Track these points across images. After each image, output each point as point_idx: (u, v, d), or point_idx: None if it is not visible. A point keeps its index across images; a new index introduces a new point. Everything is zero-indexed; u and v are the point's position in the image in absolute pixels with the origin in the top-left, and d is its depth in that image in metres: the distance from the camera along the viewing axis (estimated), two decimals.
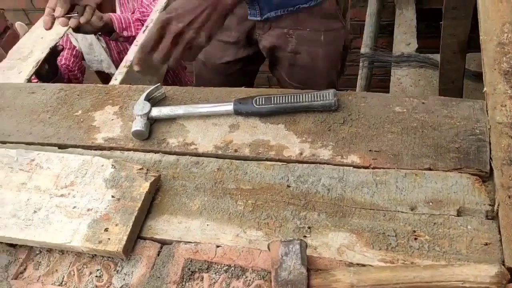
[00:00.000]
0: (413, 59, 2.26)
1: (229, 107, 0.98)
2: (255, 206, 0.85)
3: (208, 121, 1.00)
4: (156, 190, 0.90)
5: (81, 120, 1.07)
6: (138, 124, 0.99)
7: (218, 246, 0.80)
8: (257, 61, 1.52)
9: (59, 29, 1.53)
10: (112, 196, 0.87)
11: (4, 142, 1.05)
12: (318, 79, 1.36)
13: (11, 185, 0.92)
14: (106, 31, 1.67)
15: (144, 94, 1.03)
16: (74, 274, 0.83)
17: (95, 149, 1.01)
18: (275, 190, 0.86)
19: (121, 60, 1.99)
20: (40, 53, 1.49)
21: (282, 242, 0.72)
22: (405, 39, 2.36)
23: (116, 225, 0.83)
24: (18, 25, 1.71)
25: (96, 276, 0.82)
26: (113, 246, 0.80)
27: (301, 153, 0.91)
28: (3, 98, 1.15)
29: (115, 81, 1.20)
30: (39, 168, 0.93)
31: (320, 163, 0.89)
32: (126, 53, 1.96)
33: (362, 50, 2.53)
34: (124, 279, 0.81)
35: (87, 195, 0.88)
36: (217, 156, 0.94)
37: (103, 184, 0.89)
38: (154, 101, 1.05)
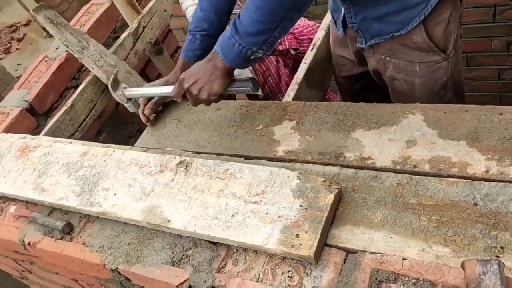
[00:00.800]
0: None
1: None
2: (439, 222, 0.86)
3: (384, 137, 1.04)
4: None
5: (262, 134, 1.19)
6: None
7: (404, 259, 0.84)
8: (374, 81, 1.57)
9: None
10: (300, 205, 0.96)
11: (198, 153, 1.22)
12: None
13: (211, 191, 1.07)
14: None
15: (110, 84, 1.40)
16: (268, 273, 0.94)
17: (277, 161, 1.12)
18: (460, 208, 0.87)
19: (264, 79, 2.14)
20: None
21: (479, 261, 0.72)
22: None
23: (306, 232, 0.91)
24: None
25: (288, 277, 0.92)
26: (305, 251, 0.89)
27: (487, 171, 0.90)
28: (195, 114, 1.34)
29: (288, 97, 1.31)
30: (233, 177, 1.07)
31: (510, 181, 0.87)
32: (269, 73, 2.10)
33: None
34: (314, 282, 0.89)
35: (277, 203, 0.98)
36: (395, 171, 0.98)
37: (291, 194, 0.99)
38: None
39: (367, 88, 1.62)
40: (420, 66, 1.28)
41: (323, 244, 0.92)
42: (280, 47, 1.84)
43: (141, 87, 1.58)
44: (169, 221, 1.06)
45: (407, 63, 1.29)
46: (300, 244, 0.90)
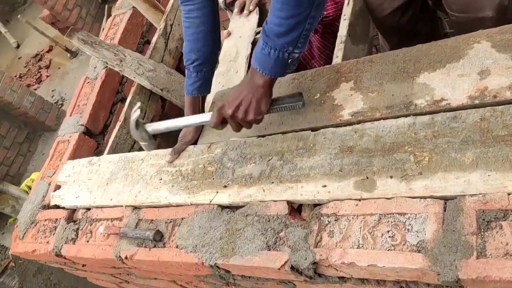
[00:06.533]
0: None
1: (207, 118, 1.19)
2: None
3: (452, 74, 1.00)
4: (420, 151, 0.94)
5: (322, 101, 1.17)
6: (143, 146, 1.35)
7: (509, 193, 0.80)
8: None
9: (251, 25, 1.68)
10: None
11: (263, 136, 1.21)
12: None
13: None
14: None
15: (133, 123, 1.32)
16: (367, 237, 0.93)
17: (345, 125, 1.09)
18: None
19: None
20: (246, 50, 1.66)
21: None
22: None
23: None
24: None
25: (389, 237, 0.90)
26: None
27: None
28: None
29: (337, 58, 1.27)
30: None
31: None
32: None
33: None
34: (417, 236, 0.87)
35: None
36: (475, 107, 0.93)
37: None
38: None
39: (414, 19, 1.57)
40: None
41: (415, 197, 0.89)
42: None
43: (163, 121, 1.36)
44: None
45: None
46: None
